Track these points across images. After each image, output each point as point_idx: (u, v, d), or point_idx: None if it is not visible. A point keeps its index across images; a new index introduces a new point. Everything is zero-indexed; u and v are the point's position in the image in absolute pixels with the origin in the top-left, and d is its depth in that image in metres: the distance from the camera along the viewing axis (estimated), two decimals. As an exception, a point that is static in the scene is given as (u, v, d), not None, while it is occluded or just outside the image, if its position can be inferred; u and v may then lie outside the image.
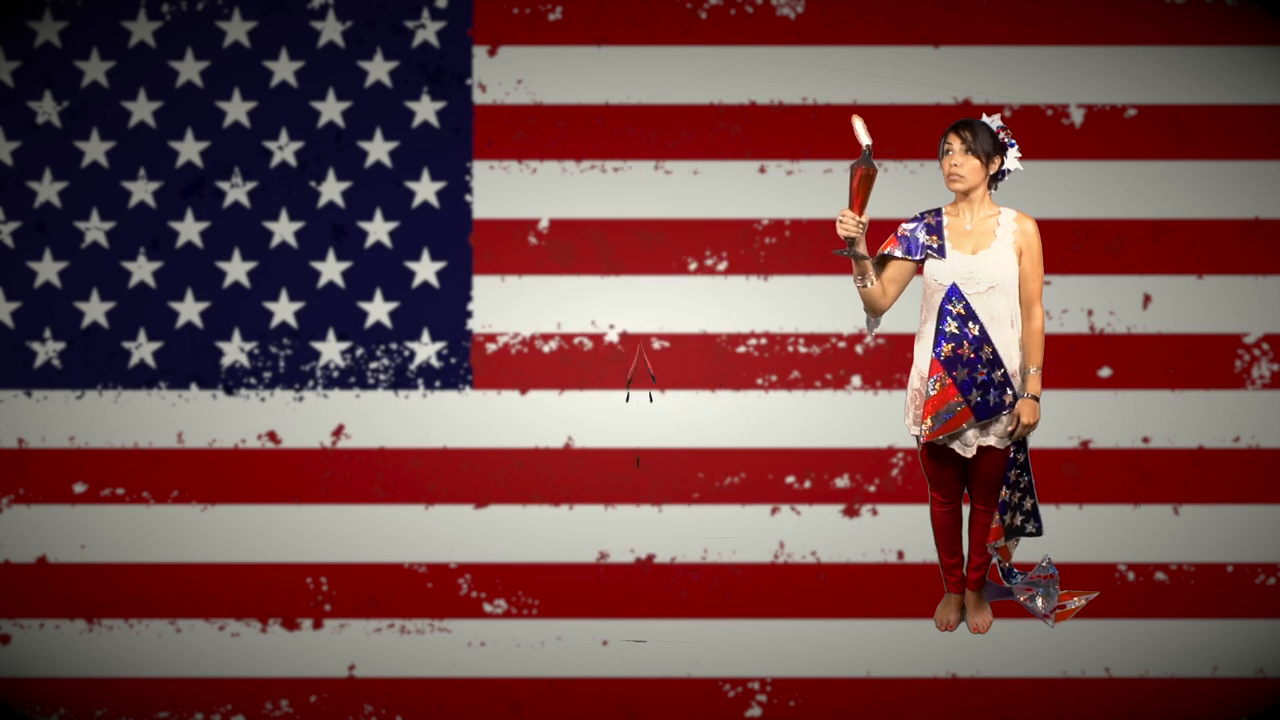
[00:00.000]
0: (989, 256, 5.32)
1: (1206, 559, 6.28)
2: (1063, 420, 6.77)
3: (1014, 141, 5.45)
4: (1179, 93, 7.02)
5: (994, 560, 5.83)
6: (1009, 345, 5.37)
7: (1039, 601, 5.80)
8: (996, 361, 5.34)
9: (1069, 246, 6.97)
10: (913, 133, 6.99)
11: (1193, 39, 7.02)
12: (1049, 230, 7.06)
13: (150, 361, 6.99)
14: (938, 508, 5.64)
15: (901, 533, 6.41)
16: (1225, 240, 6.97)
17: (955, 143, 5.33)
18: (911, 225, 5.42)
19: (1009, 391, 5.37)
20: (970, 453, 5.44)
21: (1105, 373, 6.90)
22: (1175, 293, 6.96)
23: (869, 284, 5.36)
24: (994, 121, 5.44)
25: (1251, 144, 7.00)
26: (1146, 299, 6.96)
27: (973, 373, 5.33)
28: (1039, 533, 5.69)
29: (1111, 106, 7.05)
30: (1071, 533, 6.38)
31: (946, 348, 5.33)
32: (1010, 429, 5.42)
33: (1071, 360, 6.90)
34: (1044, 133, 7.03)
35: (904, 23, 7.07)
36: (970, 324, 5.32)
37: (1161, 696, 5.64)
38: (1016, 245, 5.35)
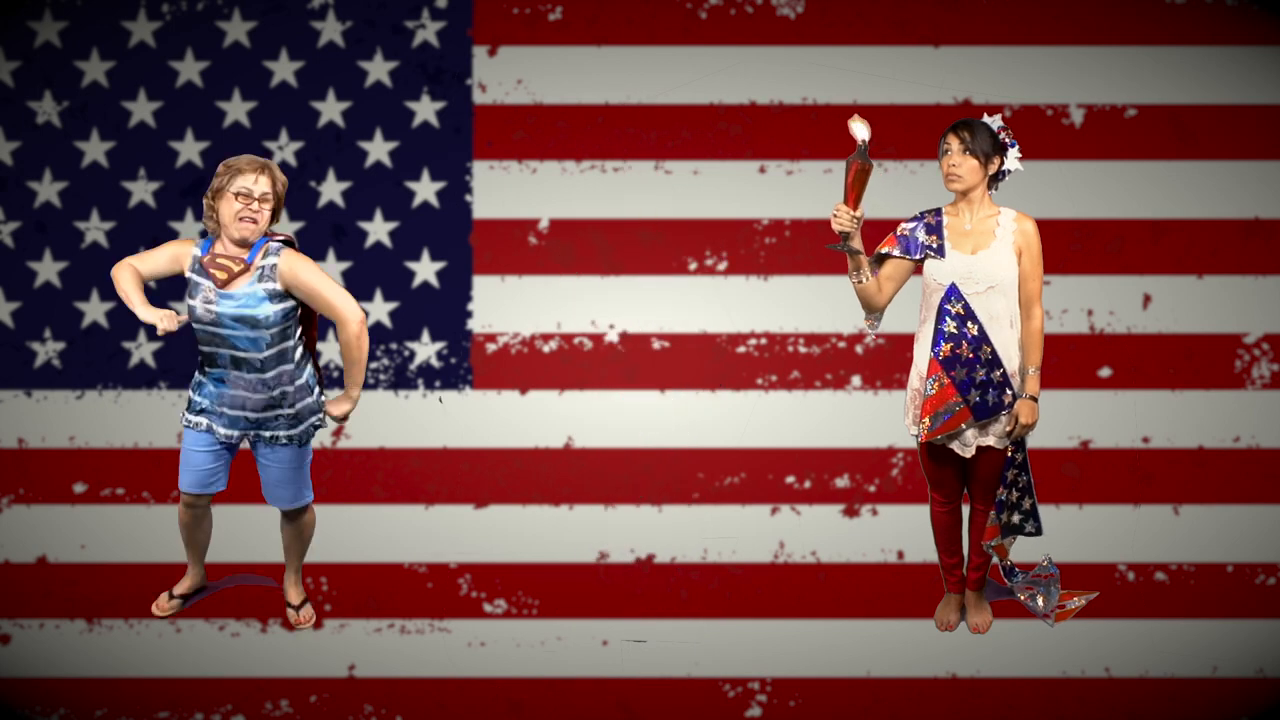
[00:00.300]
0: (988, 256, 5.31)
1: (1206, 559, 6.28)
2: (1063, 420, 6.77)
3: (1014, 142, 5.43)
4: (1179, 93, 7.02)
5: (993, 560, 5.84)
6: (1008, 345, 5.36)
7: (1039, 601, 5.82)
8: (995, 361, 5.34)
9: (1069, 246, 6.97)
10: (913, 133, 6.99)
11: (1193, 39, 7.02)
12: (1049, 230, 7.06)
13: (150, 361, 6.99)
14: (938, 508, 5.65)
15: (901, 533, 6.41)
16: (1225, 240, 6.97)
17: (954, 143, 5.32)
18: (911, 225, 5.41)
19: (1008, 391, 5.37)
20: (969, 453, 5.44)
21: (1105, 373, 6.90)
22: (1175, 293, 6.96)
23: (864, 280, 5.34)
24: (994, 122, 5.42)
25: (1251, 144, 7.00)
26: (1146, 299, 6.96)
27: (971, 372, 5.33)
28: (1038, 532, 5.69)
29: (1111, 106, 7.05)
30: (1071, 533, 6.38)
31: (945, 347, 5.33)
32: (1009, 429, 5.42)
33: (1071, 360, 6.90)
34: (1044, 133, 7.03)
35: (904, 23, 7.07)
36: (969, 324, 5.32)
37: (1161, 696, 5.64)
38: (1016, 245, 5.34)
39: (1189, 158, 7.02)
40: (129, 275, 5.21)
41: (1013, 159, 5.43)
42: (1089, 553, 6.27)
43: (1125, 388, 6.87)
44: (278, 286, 5.21)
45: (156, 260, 5.28)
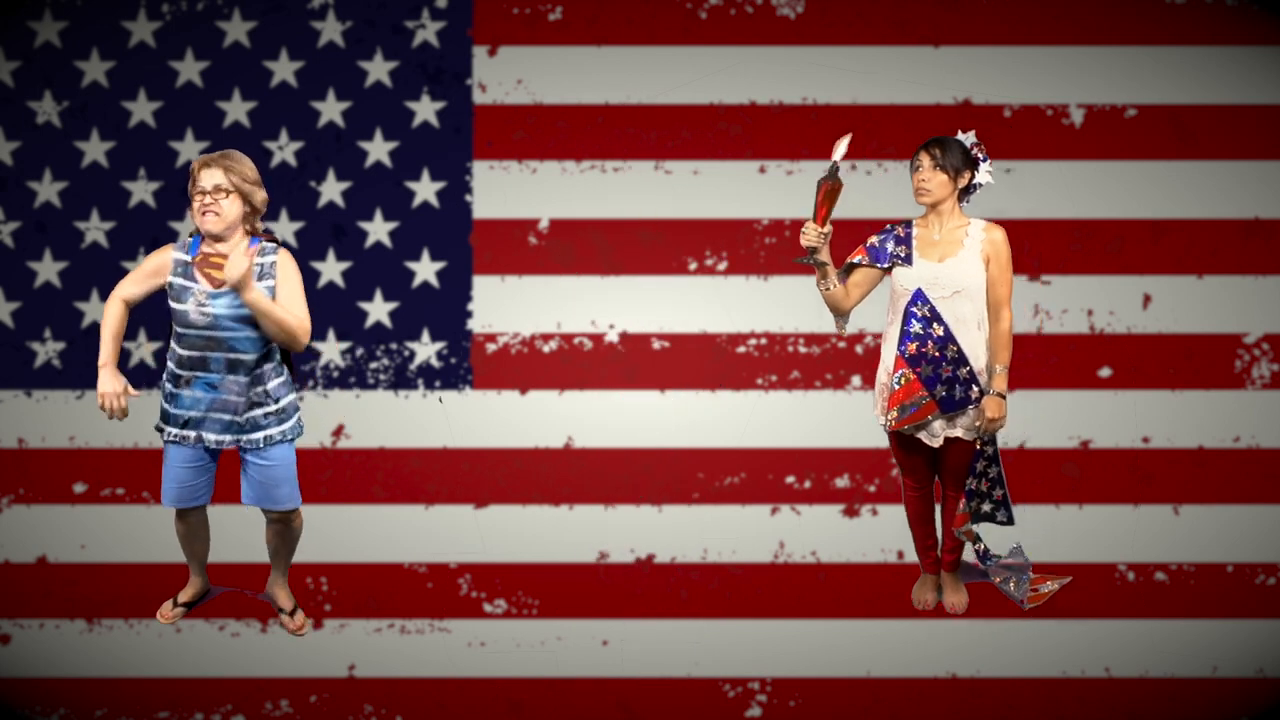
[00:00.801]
0: (955, 264, 5.45)
1: (1206, 559, 6.28)
2: (1063, 420, 6.77)
3: (986, 156, 5.55)
4: (1179, 93, 7.02)
5: (966, 544, 5.89)
6: (975, 345, 5.48)
7: (1012, 586, 5.88)
8: (962, 359, 5.46)
9: (1069, 246, 6.97)
10: (913, 133, 6.99)
11: (1193, 39, 7.02)
12: (1049, 230, 7.07)
13: (149, 361, 6.99)
14: (910, 493, 5.76)
15: (901, 533, 6.41)
16: (1225, 240, 6.97)
17: (925, 159, 5.49)
18: (880, 236, 5.57)
19: (975, 388, 5.47)
20: (937, 443, 5.55)
21: (1105, 373, 6.90)
22: (1175, 293, 6.96)
23: (830, 287, 5.51)
24: (968, 138, 5.54)
25: (1251, 144, 7.00)
26: (1146, 299, 6.96)
27: (937, 369, 5.45)
28: (1009, 522, 5.75)
29: (1111, 106, 7.05)
30: (1071, 533, 6.38)
31: (911, 346, 5.46)
32: (977, 423, 5.51)
33: (1071, 360, 6.90)
34: (1044, 133, 7.03)
35: (904, 23, 7.07)
36: (935, 325, 5.45)
37: (1161, 696, 5.64)
38: (984, 253, 5.48)
39: (1189, 158, 7.02)
40: (113, 319, 5.29)
41: (984, 173, 5.53)
42: (1089, 553, 6.27)
43: (1125, 388, 6.87)
44: (275, 284, 5.22)
45: (142, 280, 5.29)
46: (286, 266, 5.27)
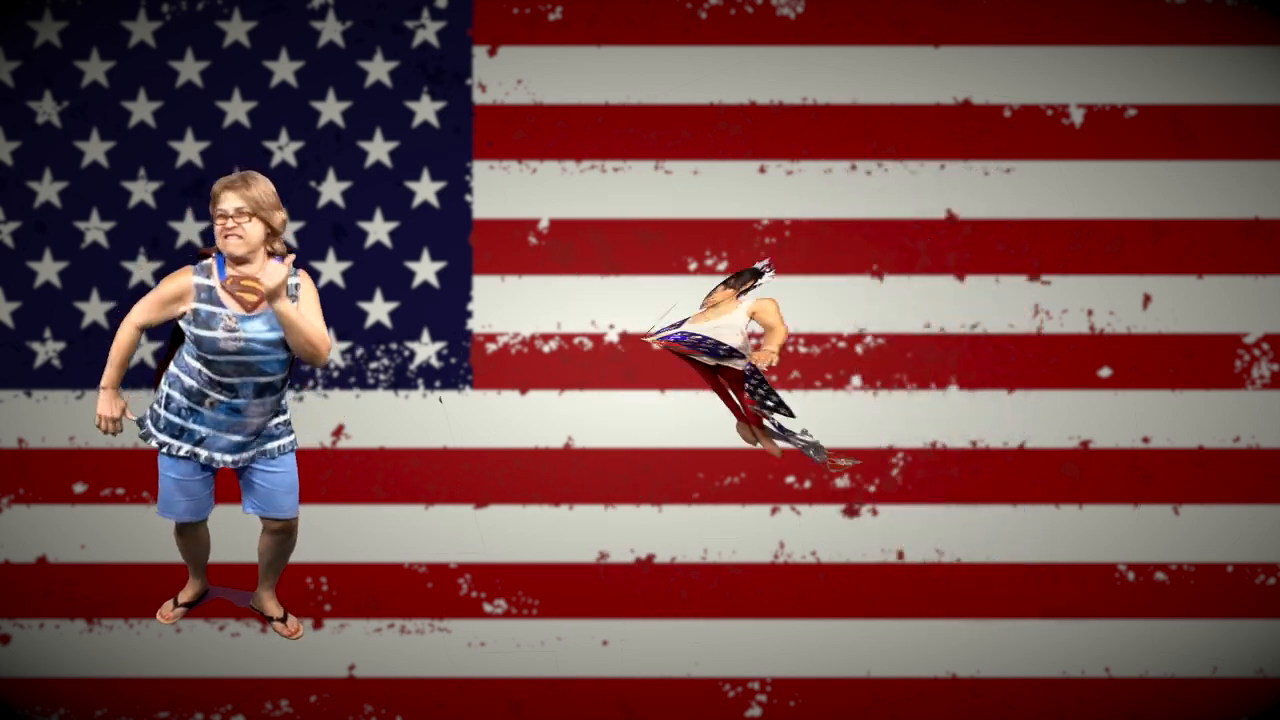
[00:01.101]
0: (725, 319, 5.81)
1: (1206, 559, 6.28)
2: (1063, 420, 6.76)
3: (773, 269, 6.00)
4: (1179, 93, 7.02)
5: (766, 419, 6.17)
6: (735, 339, 5.89)
7: (813, 452, 6.02)
8: (720, 342, 5.82)
9: (1069, 246, 6.97)
10: (913, 133, 6.98)
11: (1193, 39, 7.02)
12: (1049, 230, 7.09)
13: (150, 361, 6.99)
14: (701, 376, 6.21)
15: (902, 533, 6.41)
16: (1225, 240, 6.97)
17: (721, 290, 6.01)
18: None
19: (735, 353, 5.88)
20: (710, 363, 5.93)
21: (1105, 373, 6.90)
22: (1175, 293, 6.96)
23: None
24: (763, 264, 6.01)
25: (1251, 144, 6.99)
26: (1146, 299, 6.96)
27: (698, 345, 5.82)
28: (791, 415, 6.02)
29: (1111, 106, 7.05)
30: (1071, 533, 6.38)
31: (670, 342, 5.86)
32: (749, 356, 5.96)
33: (1071, 360, 6.90)
34: (1044, 133, 7.03)
35: (904, 23, 7.07)
36: (690, 334, 5.88)
37: (1161, 696, 5.64)
38: (750, 310, 5.91)
39: (1189, 158, 7.01)
40: (124, 344, 5.22)
41: (766, 279, 6.02)
42: (1089, 553, 6.27)
43: (1125, 388, 6.87)
44: (298, 305, 5.17)
45: (160, 308, 5.15)
46: (308, 289, 5.25)
